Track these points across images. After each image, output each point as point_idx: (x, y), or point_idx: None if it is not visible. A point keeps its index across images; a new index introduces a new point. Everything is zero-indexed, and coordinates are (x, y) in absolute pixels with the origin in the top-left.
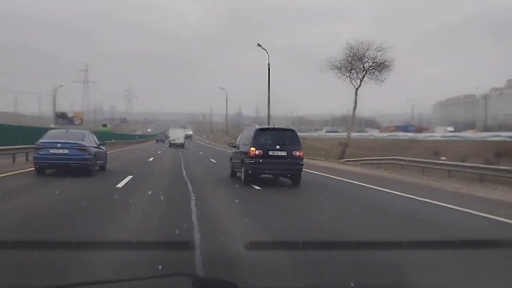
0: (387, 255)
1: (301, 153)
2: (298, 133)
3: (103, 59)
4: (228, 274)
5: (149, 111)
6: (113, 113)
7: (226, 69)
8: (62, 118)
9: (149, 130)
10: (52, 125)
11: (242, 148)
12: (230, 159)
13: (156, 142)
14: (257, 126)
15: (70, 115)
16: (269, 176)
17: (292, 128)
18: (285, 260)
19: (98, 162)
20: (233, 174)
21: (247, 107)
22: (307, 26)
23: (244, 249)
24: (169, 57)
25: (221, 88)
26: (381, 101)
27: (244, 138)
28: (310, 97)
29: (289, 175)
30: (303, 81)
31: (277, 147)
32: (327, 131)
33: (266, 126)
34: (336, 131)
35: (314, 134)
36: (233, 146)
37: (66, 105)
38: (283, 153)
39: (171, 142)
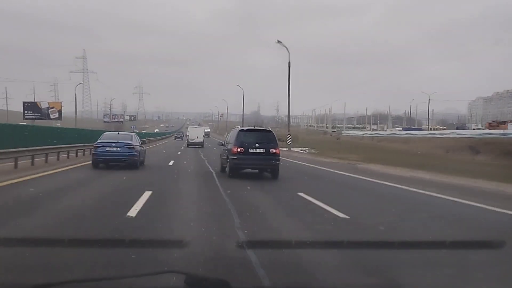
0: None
1: (277, 151)
2: (347, 132)
3: (111, 59)
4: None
5: (162, 110)
6: (123, 110)
7: (240, 67)
8: (32, 110)
9: (156, 131)
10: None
11: (228, 146)
12: (220, 156)
13: (175, 139)
14: (239, 127)
15: (43, 105)
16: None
17: (270, 129)
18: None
19: (140, 158)
20: (222, 169)
21: (265, 106)
22: (318, 23)
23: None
24: (180, 56)
25: (238, 86)
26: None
27: (229, 137)
28: (319, 96)
29: (268, 170)
30: (309, 78)
31: (256, 145)
32: (403, 128)
33: (248, 127)
34: (418, 129)
35: (382, 132)
36: (222, 145)
37: (68, 99)
38: (262, 150)
39: (190, 141)
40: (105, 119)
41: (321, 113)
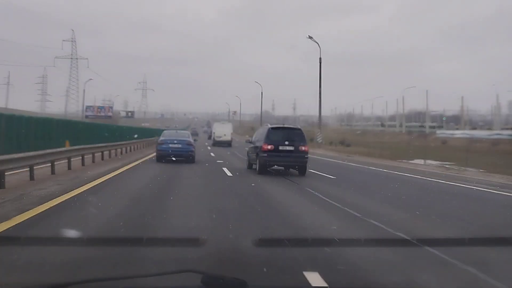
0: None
1: (306, 148)
2: (446, 132)
3: (115, 58)
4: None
5: (167, 109)
6: (125, 106)
7: (248, 66)
8: None
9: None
10: None
11: (257, 144)
12: (247, 153)
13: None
14: (269, 125)
15: None
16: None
17: (299, 127)
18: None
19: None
20: (249, 166)
21: (280, 104)
22: (328, 22)
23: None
24: (186, 55)
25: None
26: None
27: (259, 135)
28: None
29: (296, 167)
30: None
31: (286, 142)
32: None
33: (277, 125)
34: None
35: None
36: (250, 142)
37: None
38: (291, 148)
39: (216, 139)
40: (87, 113)
41: (346, 112)
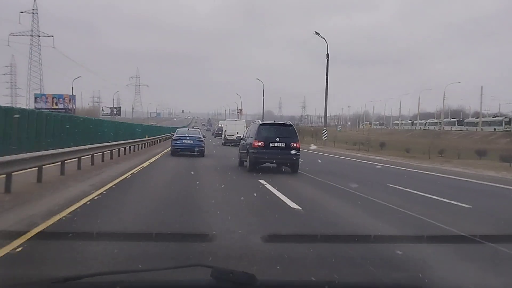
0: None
1: (297, 145)
2: None
3: (109, 56)
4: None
5: (166, 109)
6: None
7: (247, 65)
8: None
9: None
10: None
11: (248, 141)
12: (239, 150)
13: None
14: (259, 122)
15: None
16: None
17: (290, 123)
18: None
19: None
20: (241, 163)
21: (285, 104)
22: (325, 18)
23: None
24: (181, 55)
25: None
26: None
27: (249, 132)
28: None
29: (288, 164)
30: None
31: (277, 139)
32: None
33: (268, 122)
34: None
35: None
36: (241, 139)
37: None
38: (282, 145)
39: (227, 137)
40: (37, 105)
41: (354, 112)
